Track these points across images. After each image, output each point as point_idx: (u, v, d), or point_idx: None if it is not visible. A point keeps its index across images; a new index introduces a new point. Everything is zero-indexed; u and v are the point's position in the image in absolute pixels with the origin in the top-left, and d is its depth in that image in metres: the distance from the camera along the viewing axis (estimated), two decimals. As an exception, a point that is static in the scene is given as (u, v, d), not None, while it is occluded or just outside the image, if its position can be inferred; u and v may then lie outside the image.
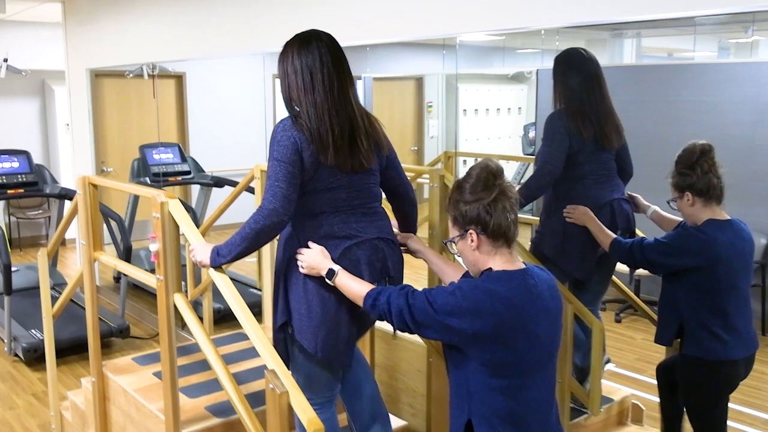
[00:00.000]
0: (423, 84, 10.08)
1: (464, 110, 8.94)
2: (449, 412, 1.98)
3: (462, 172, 3.39)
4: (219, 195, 6.05)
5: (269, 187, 2.13)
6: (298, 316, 2.24)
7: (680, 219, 2.81)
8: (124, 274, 4.88)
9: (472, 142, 8.58)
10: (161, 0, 4.83)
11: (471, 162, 6.70)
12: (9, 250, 4.80)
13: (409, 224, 2.54)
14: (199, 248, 2.32)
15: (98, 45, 5.80)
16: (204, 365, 3.08)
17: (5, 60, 5.82)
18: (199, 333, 2.38)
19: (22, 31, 7.52)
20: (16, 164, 5.69)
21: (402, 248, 2.43)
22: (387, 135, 2.38)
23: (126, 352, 5.02)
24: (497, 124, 9.17)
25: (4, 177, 5.56)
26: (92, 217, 3.02)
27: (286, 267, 2.28)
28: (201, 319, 4.34)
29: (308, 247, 2.20)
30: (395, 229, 2.47)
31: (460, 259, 2.04)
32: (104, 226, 5.33)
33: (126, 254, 4.86)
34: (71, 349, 4.81)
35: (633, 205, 3.14)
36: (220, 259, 2.24)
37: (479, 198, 1.85)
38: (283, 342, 2.34)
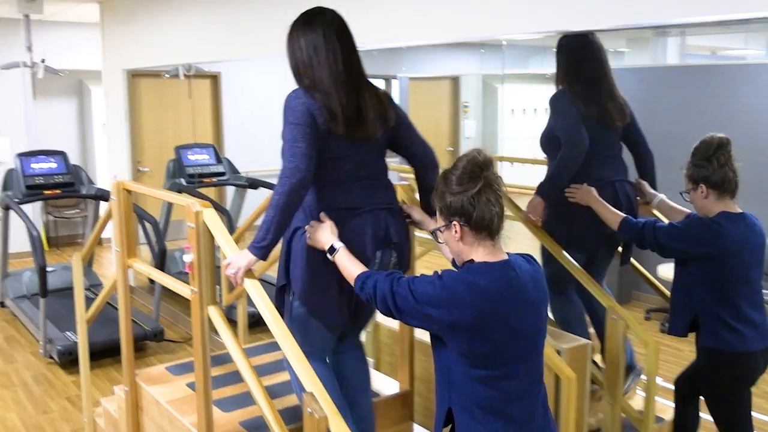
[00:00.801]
0: (459, 84, 9.95)
1: (506, 111, 8.79)
2: (435, 402, 2.01)
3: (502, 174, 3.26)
4: (254, 196, 6.00)
5: (289, 148, 2.17)
6: (301, 284, 2.30)
7: (688, 210, 2.83)
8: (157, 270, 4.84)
9: (508, 142, 8.43)
10: (198, 1, 4.77)
11: (507, 166, 6.55)
12: (44, 252, 4.77)
13: (428, 194, 2.35)
14: (236, 259, 2.25)
15: (135, 45, 5.77)
16: (239, 376, 2.99)
17: (43, 61, 5.83)
18: (233, 348, 2.29)
19: (60, 31, 7.56)
20: (53, 165, 5.70)
21: (407, 219, 2.45)
22: (403, 113, 2.44)
23: (160, 356, 4.98)
24: (534, 124, 9.01)
25: (41, 178, 5.57)
26: (126, 223, 2.96)
27: (290, 235, 2.32)
28: (235, 323, 4.32)
29: (318, 218, 2.25)
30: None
31: (445, 249, 2.09)
32: (139, 227, 5.31)
33: (160, 257, 4.82)
34: (106, 352, 4.78)
35: (639, 192, 3.14)
36: (264, 242, 2.20)
37: (464, 190, 1.85)
38: (283, 302, 2.41)
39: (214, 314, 2.39)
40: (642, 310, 5.74)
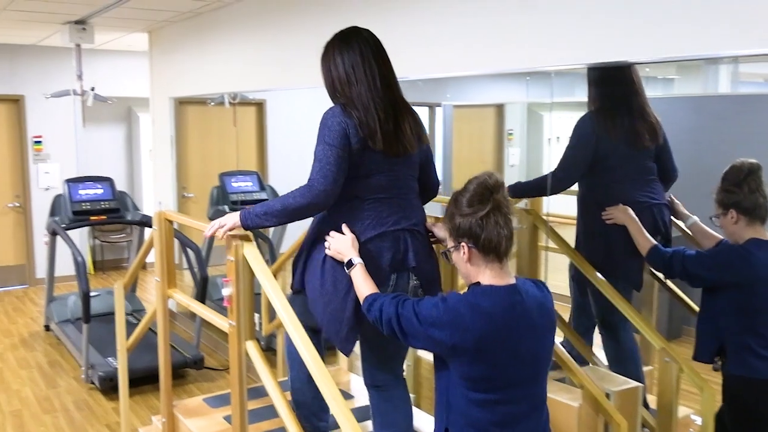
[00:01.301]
0: (503, 111, 9.86)
1: (548, 138, 8.66)
2: (434, 421, 2.03)
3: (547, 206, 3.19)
4: (296, 224, 5.97)
5: (320, 169, 2.20)
6: (312, 289, 2.34)
7: (720, 236, 2.79)
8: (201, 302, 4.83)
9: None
10: (244, 30, 4.82)
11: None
12: (88, 277, 4.81)
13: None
14: (222, 219, 2.36)
15: (182, 74, 5.85)
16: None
17: (92, 89, 5.94)
18: (270, 384, 2.24)
19: (110, 59, 7.72)
20: (99, 191, 5.78)
21: (431, 237, 2.45)
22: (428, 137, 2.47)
23: (199, 384, 4.97)
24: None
25: (88, 204, 5.65)
26: (167, 253, 2.95)
27: (311, 243, 2.38)
28: (274, 351, 4.27)
29: (341, 230, 2.27)
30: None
31: None
32: (182, 254, 5.34)
33: (202, 285, 4.81)
34: (147, 379, 4.78)
35: (672, 210, 3.12)
36: (256, 221, 2.29)
37: (473, 212, 1.87)
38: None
39: (252, 349, 2.35)
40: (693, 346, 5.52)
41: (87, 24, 5.62)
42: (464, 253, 1.90)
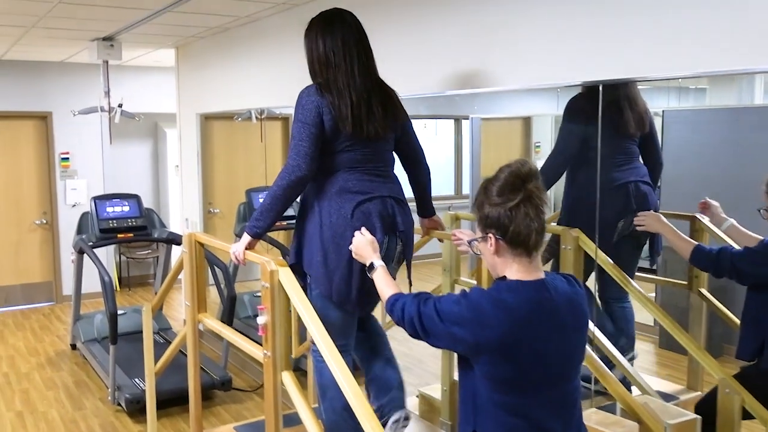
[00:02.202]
0: (530, 124, 9.72)
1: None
2: (458, 422, 1.94)
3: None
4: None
5: (294, 146, 2.36)
6: (315, 265, 2.42)
7: (759, 237, 2.75)
8: (228, 324, 4.73)
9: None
10: (271, 45, 4.74)
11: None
12: (115, 295, 4.73)
13: (424, 196, 2.76)
14: (235, 246, 2.48)
15: (209, 90, 5.79)
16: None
17: (120, 105, 5.90)
18: (309, 420, 2.12)
19: (136, 75, 7.70)
20: (126, 208, 5.73)
21: (456, 242, 2.48)
22: (403, 105, 2.59)
23: (227, 406, 4.86)
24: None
25: (114, 221, 5.59)
26: (197, 276, 2.85)
27: (303, 217, 2.49)
28: (304, 372, 4.16)
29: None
30: (414, 214, 2.66)
31: None
32: (208, 270, 5.25)
33: (230, 305, 4.72)
34: (174, 401, 4.68)
35: (708, 213, 3.10)
36: (259, 224, 2.42)
37: (502, 201, 1.77)
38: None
39: (289, 381, 2.24)
40: (735, 365, 5.33)
41: (115, 40, 5.58)
42: (491, 244, 1.79)
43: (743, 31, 2.04)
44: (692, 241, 2.77)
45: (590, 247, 2.91)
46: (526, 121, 9.96)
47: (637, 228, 2.97)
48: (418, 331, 1.88)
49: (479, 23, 2.99)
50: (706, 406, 2.70)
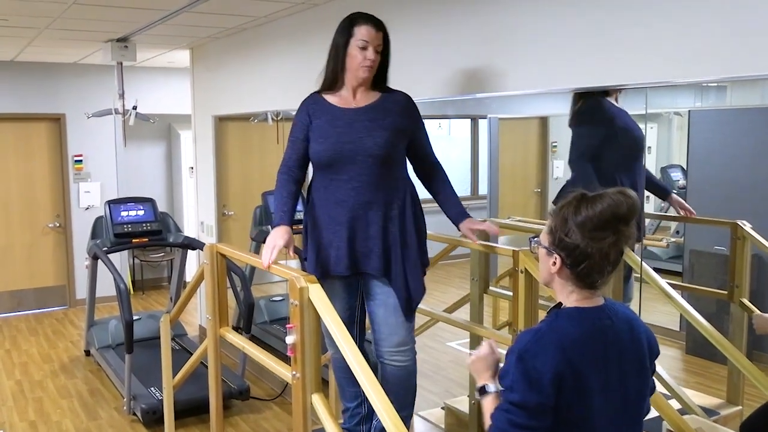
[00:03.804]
0: (547, 123, 9.58)
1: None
2: None
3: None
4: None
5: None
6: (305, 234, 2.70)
7: None
8: (247, 332, 4.62)
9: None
10: (288, 46, 4.61)
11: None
12: (131, 305, 4.63)
13: (449, 202, 2.80)
14: (266, 246, 2.51)
15: (224, 91, 5.68)
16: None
17: (134, 107, 5.79)
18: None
19: (150, 76, 7.60)
20: (141, 212, 5.62)
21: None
22: None
23: (245, 416, 4.74)
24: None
25: (129, 226, 5.48)
26: (219, 289, 2.72)
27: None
28: (326, 382, 4.04)
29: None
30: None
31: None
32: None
33: (248, 314, 4.60)
34: (191, 411, 4.56)
35: None
36: (274, 220, 2.61)
37: (587, 236, 1.56)
38: None
39: (319, 404, 2.11)
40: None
41: (129, 42, 5.48)
42: (555, 263, 1.62)
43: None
44: None
45: (631, 259, 2.77)
46: (543, 121, 9.82)
47: (757, 332, 2.88)
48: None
49: (499, 25, 2.87)
50: (756, 427, 2.56)
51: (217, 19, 4.72)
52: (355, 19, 2.54)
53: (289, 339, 2.13)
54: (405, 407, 2.68)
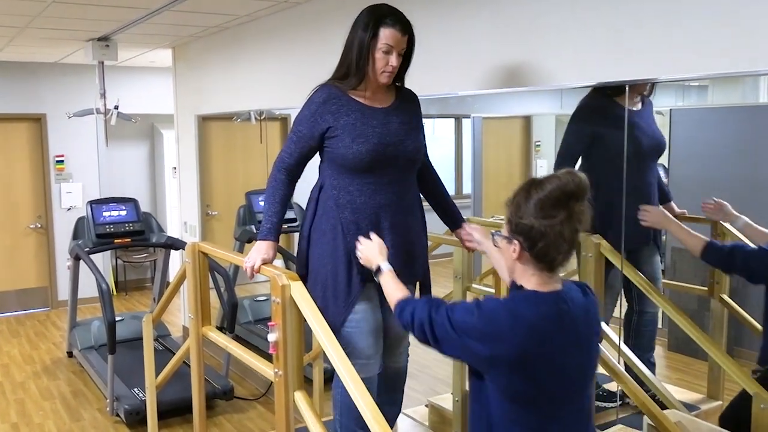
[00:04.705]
0: (531, 123, 9.62)
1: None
2: None
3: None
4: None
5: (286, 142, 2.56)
6: (311, 256, 2.41)
7: None
8: (230, 331, 4.61)
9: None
10: (271, 45, 4.61)
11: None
12: (113, 306, 4.60)
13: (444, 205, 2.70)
14: (251, 255, 2.38)
15: (207, 91, 5.66)
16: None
17: (116, 107, 5.75)
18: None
19: (132, 76, 7.56)
20: (123, 212, 5.59)
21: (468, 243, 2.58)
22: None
23: (229, 416, 4.73)
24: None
25: (111, 226, 5.46)
26: (201, 288, 2.71)
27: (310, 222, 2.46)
28: (310, 381, 4.03)
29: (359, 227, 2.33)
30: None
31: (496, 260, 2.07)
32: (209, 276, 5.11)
33: (231, 313, 4.58)
34: (175, 411, 4.54)
35: (720, 213, 3.00)
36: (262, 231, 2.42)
37: (540, 216, 1.65)
38: None
39: (302, 401, 2.11)
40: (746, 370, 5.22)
41: (110, 41, 5.44)
42: (515, 250, 1.70)
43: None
44: (702, 236, 2.67)
45: (613, 255, 2.79)
46: (527, 120, 9.87)
47: (642, 224, 2.86)
48: (428, 337, 1.80)
49: (521, 18, 2.82)
50: (733, 416, 2.60)
51: (199, 18, 4.71)
52: (381, 20, 2.29)
53: (271, 337, 2.13)
54: (399, 404, 2.67)
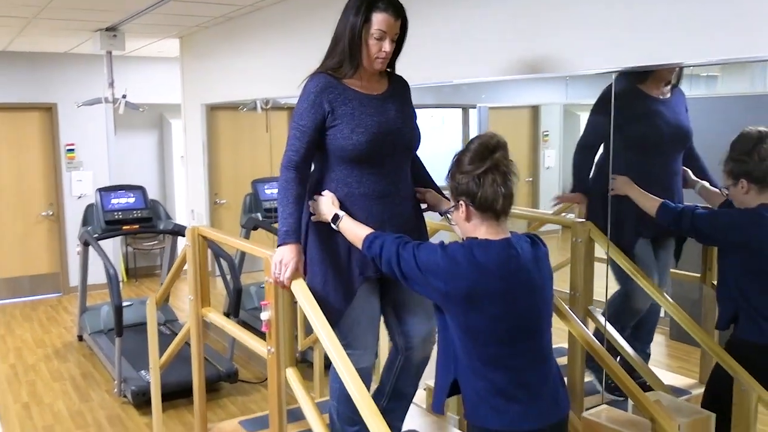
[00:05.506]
0: (539, 113, 9.61)
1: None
2: (436, 370, 2.04)
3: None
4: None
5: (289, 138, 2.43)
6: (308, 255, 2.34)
7: (723, 194, 2.80)
8: (235, 316, 4.71)
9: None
10: (277, 34, 4.68)
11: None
12: (120, 288, 4.71)
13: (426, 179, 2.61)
14: (278, 260, 2.24)
15: (214, 80, 5.74)
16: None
17: (124, 96, 5.85)
18: (312, 416, 2.08)
19: (140, 65, 7.65)
20: (131, 200, 5.70)
21: (422, 204, 2.52)
22: None
23: (233, 398, 4.84)
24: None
25: (119, 213, 5.57)
26: (201, 270, 2.80)
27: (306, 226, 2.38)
28: (310, 363, 4.11)
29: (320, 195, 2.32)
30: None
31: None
32: (215, 262, 5.22)
33: (236, 298, 4.68)
34: (180, 393, 4.65)
35: (684, 181, 3.08)
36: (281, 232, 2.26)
37: (471, 170, 1.90)
38: None
39: (293, 377, 2.20)
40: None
41: (118, 31, 5.54)
42: (462, 211, 1.94)
43: None
44: (658, 198, 2.78)
45: (603, 240, 2.85)
46: (534, 110, 9.87)
47: (610, 193, 2.93)
48: (395, 271, 1.99)
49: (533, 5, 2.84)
50: (714, 394, 2.67)
51: (205, 8, 4.78)
52: (373, 3, 2.20)
53: (264, 315, 2.21)
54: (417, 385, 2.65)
